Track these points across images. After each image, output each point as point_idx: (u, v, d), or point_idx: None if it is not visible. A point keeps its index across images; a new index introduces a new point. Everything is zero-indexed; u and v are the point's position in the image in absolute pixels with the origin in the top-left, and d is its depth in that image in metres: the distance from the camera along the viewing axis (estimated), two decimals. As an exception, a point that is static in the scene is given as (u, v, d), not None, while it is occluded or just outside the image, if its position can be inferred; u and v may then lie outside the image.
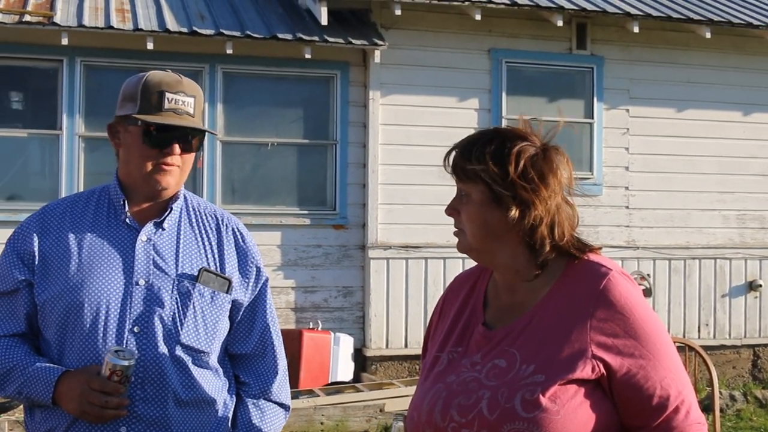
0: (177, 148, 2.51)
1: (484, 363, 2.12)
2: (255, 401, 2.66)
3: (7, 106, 9.15)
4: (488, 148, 2.09)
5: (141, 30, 8.44)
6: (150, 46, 8.43)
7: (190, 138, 2.54)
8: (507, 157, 2.07)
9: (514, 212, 2.06)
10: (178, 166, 2.54)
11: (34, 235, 2.54)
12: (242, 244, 2.67)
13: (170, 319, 2.50)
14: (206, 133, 2.64)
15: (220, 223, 2.67)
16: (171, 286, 2.52)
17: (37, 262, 2.51)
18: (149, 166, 2.52)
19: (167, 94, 2.50)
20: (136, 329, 2.47)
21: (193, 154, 2.58)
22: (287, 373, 2.76)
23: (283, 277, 8.96)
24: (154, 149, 2.50)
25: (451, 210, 2.18)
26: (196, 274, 2.55)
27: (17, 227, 2.61)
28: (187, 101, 2.53)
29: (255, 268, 2.67)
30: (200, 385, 2.54)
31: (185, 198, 2.67)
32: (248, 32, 8.72)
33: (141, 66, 7.71)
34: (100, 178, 8.12)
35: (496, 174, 2.06)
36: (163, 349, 2.48)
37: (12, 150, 8.78)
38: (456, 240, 2.20)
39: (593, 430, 2.01)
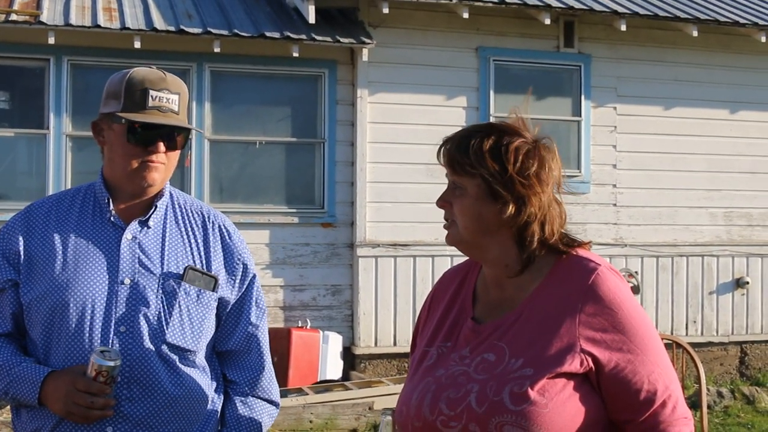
0: (162, 145, 2.50)
1: (473, 357, 2.13)
2: (243, 398, 2.65)
3: (-6, 106, 9.12)
4: (486, 142, 2.09)
5: (128, 29, 8.42)
6: (137, 45, 8.41)
7: (174, 135, 2.53)
8: (505, 153, 2.08)
9: (511, 208, 2.08)
10: (163, 163, 2.53)
11: (19, 234, 2.53)
12: (229, 241, 2.66)
13: (156, 318, 2.49)
14: (192, 130, 2.64)
15: (206, 220, 2.66)
16: (156, 285, 2.51)
17: (22, 262, 2.50)
18: (134, 164, 2.51)
19: (151, 92, 2.49)
20: (122, 329, 2.46)
21: (178, 152, 2.57)
22: (273, 369, 2.75)
23: (271, 276, 8.96)
24: (139, 147, 2.49)
25: (443, 202, 2.17)
26: (181, 272, 2.54)
27: (2, 227, 2.60)
28: (172, 98, 2.52)
29: (242, 265, 2.65)
30: (187, 384, 2.53)
31: (171, 195, 2.66)
32: (236, 31, 8.71)
33: (128, 65, 7.64)
34: (87, 177, 8.08)
35: (494, 169, 2.07)
36: (149, 348, 2.47)
37: (-1, 149, 8.75)
38: (444, 238, 2.20)
39: (581, 423, 2.02)
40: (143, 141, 2.49)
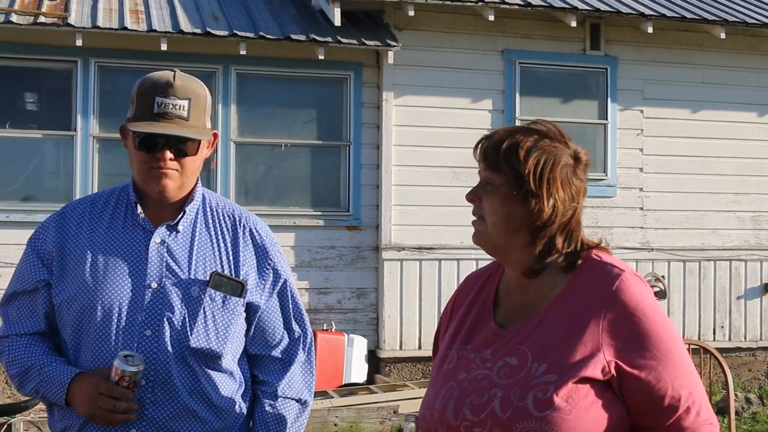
0: (168, 153, 2.47)
1: (495, 361, 2.12)
2: (272, 401, 2.63)
3: (22, 107, 9.19)
4: (524, 143, 2.09)
5: (155, 31, 8.47)
6: (164, 47, 8.46)
7: (183, 142, 2.49)
8: (542, 156, 2.08)
9: (539, 211, 2.07)
10: (174, 170, 2.50)
11: (53, 235, 2.56)
12: (260, 243, 2.64)
13: (180, 323, 2.49)
14: (220, 134, 2.63)
15: (237, 223, 2.65)
16: (182, 290, 2.51)
17: (55, 262, 2.53)
18: (145, 171, 2.50)
19: (157, 98, 2.46)
20: (147, 332, 2.47)
21: (194, 157, 2.53)
22: (313, 368, 2.72)
23: (296, 278, 8.95)
24: (148, 154, 2.48)
25: (473, 196, 2.17)
26: (208, 278, 2.53)
27: (38, 227, 2.63)
28: (180, 104, 2.47)
29: (272, 269, 2.63)
30: (211, 388, 2.53)
31: (203, 198, 2.65)
32: (262, 33, 8.73)
33: (155, 67, 7.68)
34: (114, 179, 8.14)
35: (530, 170, 2.07)
36: (173, 353, 2.48)
37: (27, 151, 8.81)
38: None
39: (604, 430, 2.01)
40: (150, 149, 2.48)
